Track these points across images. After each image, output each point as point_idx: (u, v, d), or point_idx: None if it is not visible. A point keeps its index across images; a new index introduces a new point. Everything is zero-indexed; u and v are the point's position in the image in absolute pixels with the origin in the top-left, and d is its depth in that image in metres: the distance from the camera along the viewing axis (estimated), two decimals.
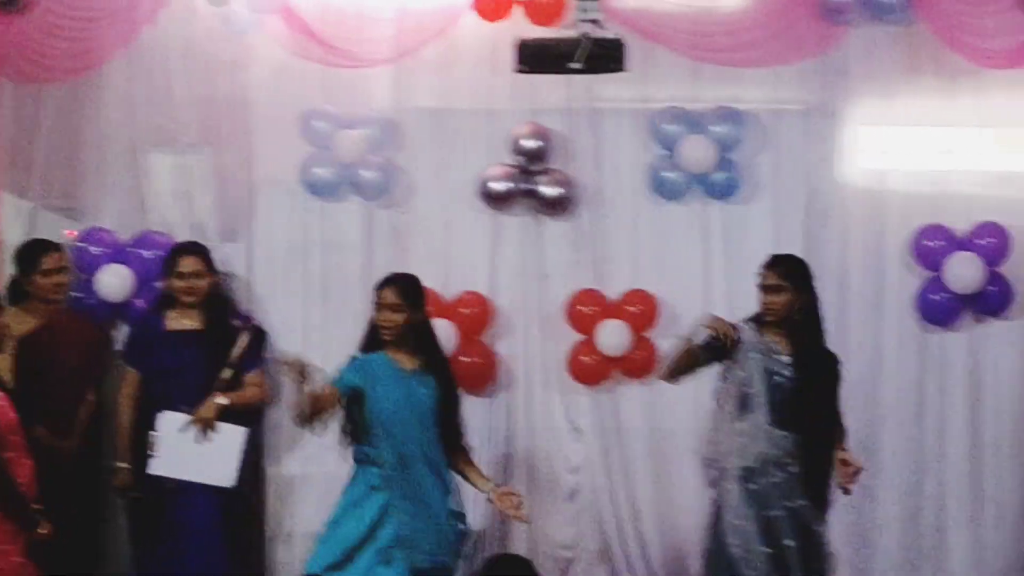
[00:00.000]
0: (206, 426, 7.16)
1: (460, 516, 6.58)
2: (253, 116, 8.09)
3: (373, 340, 6.57)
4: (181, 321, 7.44)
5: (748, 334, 6.64)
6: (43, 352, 7.34)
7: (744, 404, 6.58)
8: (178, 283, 7.41)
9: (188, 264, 7.42)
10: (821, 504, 6.65)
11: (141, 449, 7.27)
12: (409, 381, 6.46)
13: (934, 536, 8.12)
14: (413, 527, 6.38)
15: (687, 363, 6.75)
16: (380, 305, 6.51)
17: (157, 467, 7.16)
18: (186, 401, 7.22)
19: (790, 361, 6.57)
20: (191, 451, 7.16)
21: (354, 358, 6.52)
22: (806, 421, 6.53)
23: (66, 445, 7.37)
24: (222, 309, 7.57)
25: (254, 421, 7.44)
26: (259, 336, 7.66)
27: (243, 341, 7.39)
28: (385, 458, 6.41)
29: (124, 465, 7.36)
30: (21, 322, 7.29)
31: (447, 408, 6.53)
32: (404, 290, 6.54)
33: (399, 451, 6.41)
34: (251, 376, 7.43)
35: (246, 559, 7.69)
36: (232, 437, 7.22)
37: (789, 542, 6.49)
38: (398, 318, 6.47)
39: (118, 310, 7.85)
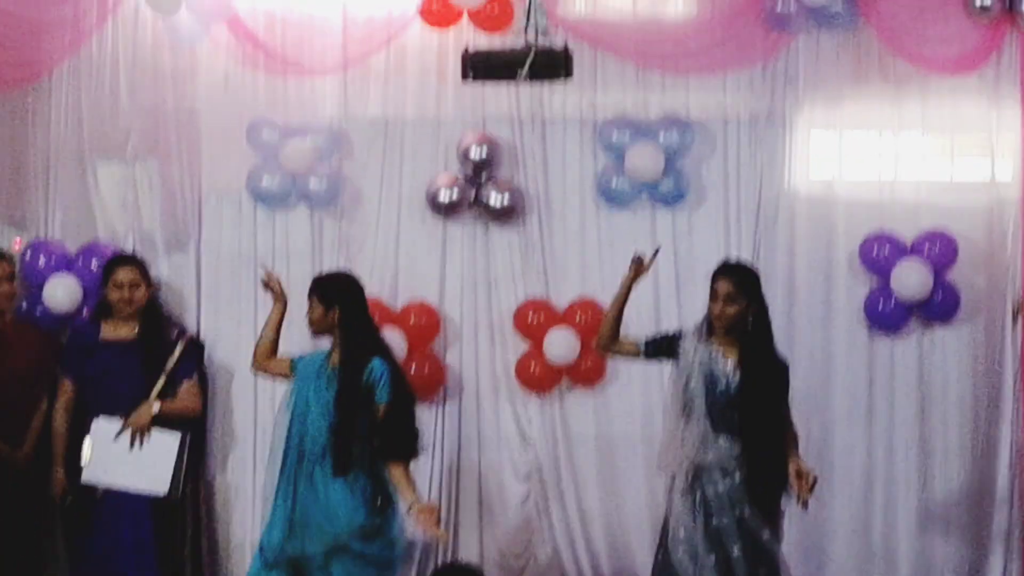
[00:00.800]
0: (140, 432, 7.20)
1: (373, 531, 6.48)
2: (200, 126, 8.11)
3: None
4: (116, 331, 7.48)
5: (691, 341, 6.65)
6: None
7: (688, 410, 6.59)
8: (115, 293, 7.44)
9: (124, 274, 7.46)
10: (770, 513, 6.61)
11: (76, 457, 7.30)
12: (324, 378, 6.55)
13: (883, 542, 8.13)
14: (286, 525, 6.44)
15: (616, 317, 6.78)
16: (310, 305, 6.69)
17: (90, 475, 7.21)
18: (120, 410, 7.27)
19: (735, 368, 6.57)
20: (124, 458, 7.20)
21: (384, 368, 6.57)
22: (750, 427, 6.52)
23: (19, 455, 7.36)
24: (157, 319, 7.61)
25: (188, 430, 7.42)
26: (194, 346, 7.69)
27: (178, 351, 7.42)
28: (287, 457, 6.51)
29: (60, 473, 7.38)
30: None
31: (344, 411, 6.46)
32: (331, 287, 6.69)
33: (298, 451, 6.49)
34: (185, 386, 7.45)
35: (179, 569, 7.71)
36: (166, 444, 7.25)
37: (736, 552, 6.47)
38: (320, 314, 6.62)
39: (66, 320, 7.81)
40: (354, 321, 6.63)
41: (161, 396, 7.32)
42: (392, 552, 6.55)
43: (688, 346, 6.65)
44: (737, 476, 6.51)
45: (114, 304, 7.48)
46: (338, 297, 6.62)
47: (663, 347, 6.77)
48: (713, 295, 6.61)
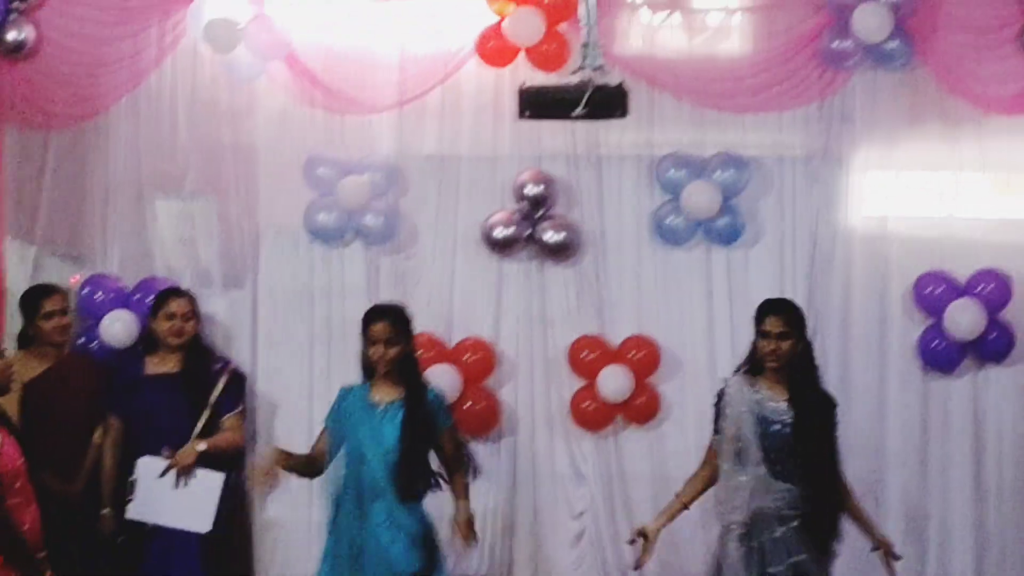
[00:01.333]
0: (185, 472, 7.22)
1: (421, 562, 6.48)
2: (257, 162, 8.16)
3: (367, 371, 6.64)
4: (160, 365, 7.52)
5: (736, 387, 6.56)
6: (48, 396, 7.40)
7: (740, 458, 6.48)
8: (166, 324, 7.47)
9: (177, 305, 7.51)
10: (824, 560, 6.54)
11: (123, 494, 7.33)
12: (377, 416, 6.50)
13: None
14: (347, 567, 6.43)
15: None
16: (375, 340, 6.53)
17: (135, 511, 7.23)
18: (166, 444, 7.29)
19: (787, 407, 6.49)
20: (169, 496, 7.22)
21: (341, 389, 6.66)
22: (807, 468, 6.44)
23: (71, 489, 7.37)
24: (202, 353, 7.63)
25: (233, 465, 7.47)
26: (237, 379, 7.70)
27: (222, 383, 7.46)
28: (344, 498, 6.49)
29: (108, 511, 7.40)
30: (28, 367, 7.36)
31: (414, 442, 6.48)
32: (397, 322, 6.58)
33: (356, 491, 6.46)
34: (228, 419, 7.48)
35: None
36: (210, 483, 7.28)
37: None
38: (392, 352, 6.51)
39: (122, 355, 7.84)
40: (413, 353, 6.67)
41: (205, 430, 7.35)
42: None
43: (734, 392, 6.55)
44: (794, 522, 6.42)
45: (163, 336, 7.50)
46: (408, 331, 6.64)
47: (720, 418, 6.61)
48: (764, 334, 6.56)
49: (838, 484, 6.60)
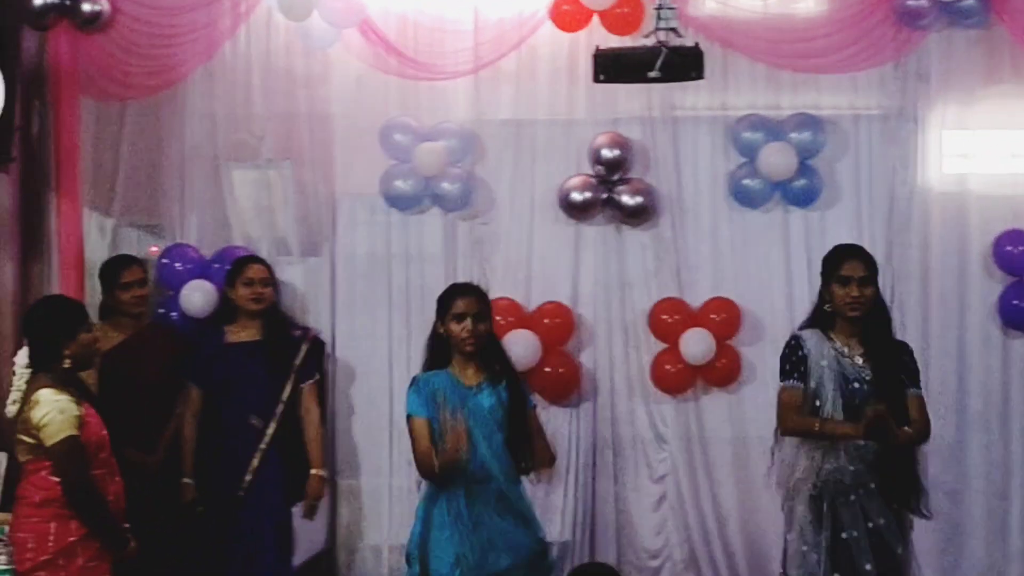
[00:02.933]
0: (319, 502, 7.41)
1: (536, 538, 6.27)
2: (333, 130, 8.16)
3: (440, 354, 6.24)
4: (240, 334, 7.52)
5: (814, 339, 6.20)
6: (127, 366, 7.41)
7: (819, 415, 6.13)
8: (245, 291, 7.47)
9: (255, 271, 7.51)
10: (904, 524, 6.21)
11: (206, 465, 7.40)
12: (475, 396, 6.12)
13: (1020, 541, 8.04)
14: (464, 549, 6.05)
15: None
16: (462, 315, 6.11)
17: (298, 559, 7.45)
18: (251, 412, 7.36)
19: (863, 362, 6.17)
20: (307, 529, 7.53)
21: (415, 380, 6.17)
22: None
23: (151, 460, 7.41)
24: (281, 320, 7.64)
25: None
26: (318, 346, 7.74)
27: (304, 350, 7.50)
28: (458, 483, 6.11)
29: (189, 481, 7.42)
30: (107, 338, 7.35)
31: (518, 416, 6.18)
32: (483, 298, 6.26)
33: (468, 472, 6.08)
34: (307, 387, 7.53)
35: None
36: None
37: (868, 566, 6.05)
38: (482, 328, 6.16)
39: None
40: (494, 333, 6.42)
41: (289, 399, 7.41)
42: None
43: (814, 345, 6.18)
44: (872, 484, 6.10)
45: (242, 303, 7.50)
46: (490, 309, 6.35)
47: (803, 366, 6.19)
48: (843, 280, 6.14)
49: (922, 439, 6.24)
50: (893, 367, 6.18)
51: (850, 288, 6.15)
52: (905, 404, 6.13)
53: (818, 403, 6.14)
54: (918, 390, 6.24)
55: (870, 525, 6.08)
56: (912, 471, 6.20)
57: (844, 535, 6.08)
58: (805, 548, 6.15)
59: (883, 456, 6.08)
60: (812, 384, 6.15)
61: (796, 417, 6.18)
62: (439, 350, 6.20)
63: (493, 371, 6.19)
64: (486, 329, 6.17)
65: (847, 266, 6.19)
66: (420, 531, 6.12)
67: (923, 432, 6.19)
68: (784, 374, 6.24)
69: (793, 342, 6.26)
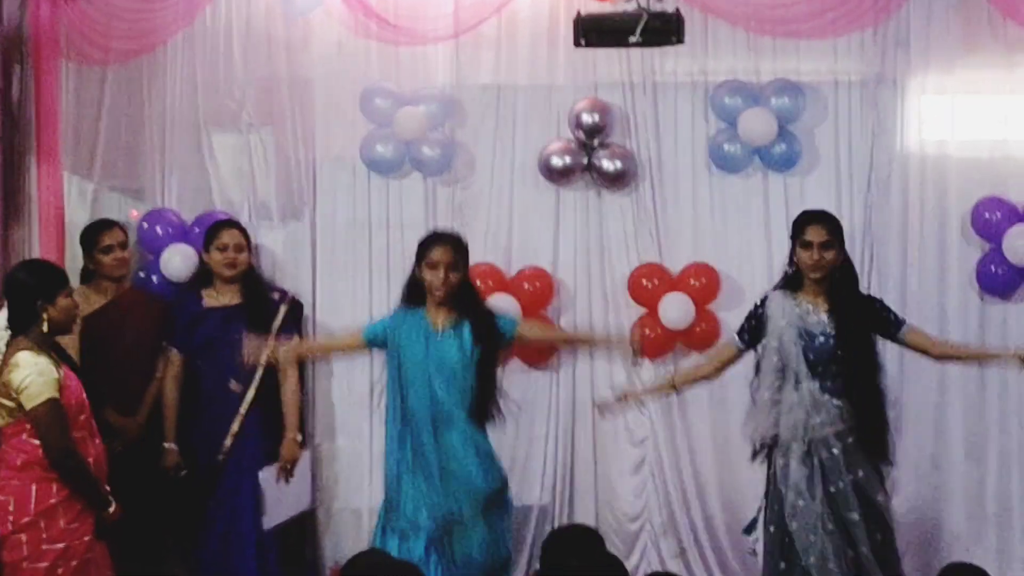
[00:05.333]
0: (293, 465, 7.40)
1: (498, 478, 6.64)
2: (314, 95, 8.18)
3: (416, 296, 6.63)
4: (219, 298, 7.55)
5: (777, 301, 6.62)
6: (108, 330, 7.44)
7: (785, 375, 6.53)
8: (219, 256, 7.50)
9: (229, 236, 7.53)
10: (880, 474, 6.58)
11: (187, 429, 7.44)
12: (438, 341, 6.51)
13: (998, 504, 8.08)
14: (428, 489, 6.46)
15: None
16: (436, 264, 6.51)
17: (270, 522, 7.37)
18: (230, 376, 7.39)
19: (828, 319, 6.52)
20: (284, 492, 7.41)
21: (397, 313, 6.66)
22: (854, 380, 6.48)
23: (132, 423, 7.43)
24: (258, 284, 7.67)
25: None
26: (296, 309, 7.78)
27: (282, 313, 7.53)
28: (410, 418, 6.51)
29: (171, 446, 7.47)
30: (87, 301, 7.39)
31: (482, 366, 6.55)
32: (459, 247, 6.61)
33: (432, 413, 6.48)
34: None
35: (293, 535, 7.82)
36: (302, 462, 7.53)
37: (856, 516, 6.43)
38: (454, 278, 6.52)
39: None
40: (470, 281, 6.75)
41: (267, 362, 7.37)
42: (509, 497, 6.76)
43: (775, 306, 6.60)
44: (850, 438, 6.46)
45: (216, 268, 7.52)
46: (467, 259, 6.68)
47: (754, 324, 6.70)
48: (806, 244, 6.54)
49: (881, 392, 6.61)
50: (856, 322, 6.54)
51: (812, 252, 6.51)
52: (873, 354, 6.59)
53: (782, 361, 6.52)
54: (907, 325, 6.71)
55: (851, 478, 6.42)
56: (884, 424, 6.57)
57: (832, 488, 6.42)
58: (802, 503, 6.45)
59: (860, 412, 6.46)
60: (774, 343, 6.54)
61: (704, 365, 7.02)
62: (415, 292, 6.62)
63: (461, 319, 6.54)
64: (458, 279, 6.53)
65: (810, 230, 6.57)
66: (388, 478, 6.54)
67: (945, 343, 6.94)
68: (739, 330, 6.79)
69: (758, 303, 6.72)
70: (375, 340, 6.65)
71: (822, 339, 6.49)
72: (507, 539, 6.72)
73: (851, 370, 6.50)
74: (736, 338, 6.81)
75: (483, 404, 6.56)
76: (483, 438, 6.58)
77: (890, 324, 6.66)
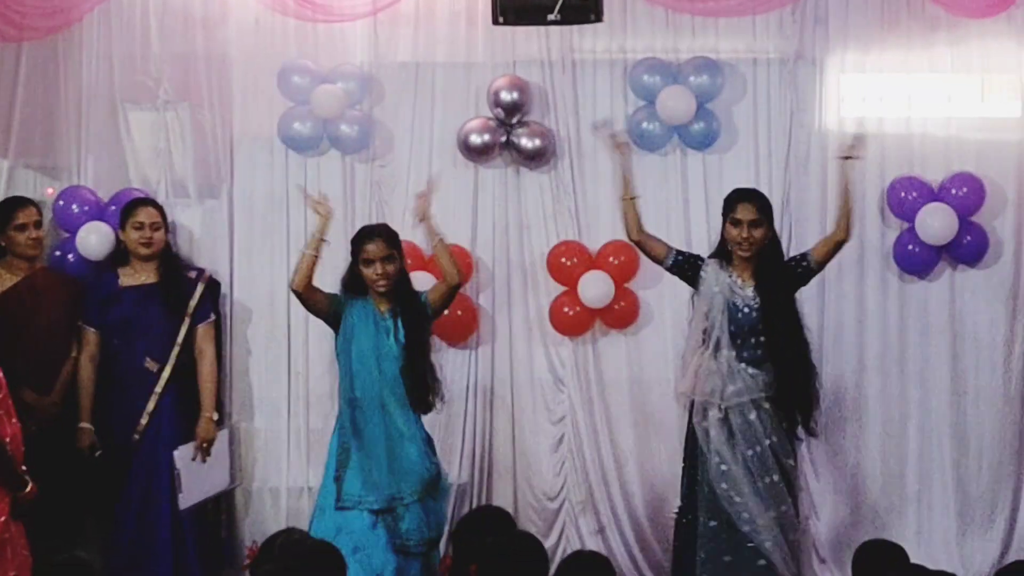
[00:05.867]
0: (210, 444, 7.33)
1: (435, 464, 6.85)
2: (231, 72, 8.12)
3: (355, 290, 6.78)
4: (136, 277, 7.48)
5: (712, 269, 6.80)
6: (22, 309, 7.37)
7: (707, 341, 6.74)
8: (135, 234, 7.42)
9: (145, 215, 7.45)
10: (791, 442, 6.80)
11: (102, 408, 7.36)
12: (384, 326, 6.69)
13: (917, 482, 8.13)
14: (375, 470, 6.63)
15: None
16: (370, 261, 6.68)
17: (186, 501, 7.27)
18: (147, 354, 7.34)
19: (754, 293, 6.70)
20: (201, 472, 7.34)
21: (350, 301, 6.76)
22: (774, 354, 6.68)
23: (48, 402, 7.36)
24: (175, 262, 7.60)
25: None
26: (213, 288, 7.74)
27: (199, 292, 7.47)
28: (359, 400, 6.67)
29: (87, 425, 7.38)
30: (1, 280, 7.33)
31: (411, 353, 6.71)
32: (391, 240, 6.75)
33: (379, 400, 6.65)
34: (202, 328, 7.51)
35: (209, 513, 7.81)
36: (220, 442, 7.46)
37: (776, 477, 6.65)
38: (391, 269, 6.68)
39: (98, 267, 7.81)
40: (405, 267, 6.85)
41: (185, 339, 7.39)
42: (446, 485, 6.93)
43: (709, 274, 6.80)
44: (766, 405, 6.65)
45: (132, 246, 7.45)
46: (400, 246, 6.83)
47: (687, 266, 6.91)
48: (735, 222, 6.72)
49: (807, 364, 6.80)
50: (781, 296, 6.75)
51: (740, 229, 6.67)
52: (798, 328, 6.78)
53: (708, 325, 6.76)
54: (808, 252, 6.91)
55: (767, 442, 6.64)
56: (808, 396, 6.75)
57: (749, 452, 6.64)
58: (724, 467, 6.68)
59: (782, 383, 6.70)
60: (704, 307, 6.79)
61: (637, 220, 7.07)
62: (355, 284, 6.79)
63: (397, 307, 6.70)
64: (395, 269, 6.71)
65: (740, 208, 6.74)
66: (336, 456, 6.68)
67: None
68: (680, 251, 7.05)
69: (700, 261, 6.91)
70: (338, 309, 6.76)
71: (746, 311, 6.69)
72: (443, 521, 6.92)
73: (775, 343, 6.66)
74: (673, 251, 6.96)
75: (423, 389, 6.71)
76: (421, 427, 6.79)
77: (802, 268, 6.82)
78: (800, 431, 6.81)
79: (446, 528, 7.01)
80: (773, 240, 6.82)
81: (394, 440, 6.66)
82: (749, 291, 6.71)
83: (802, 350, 6.76)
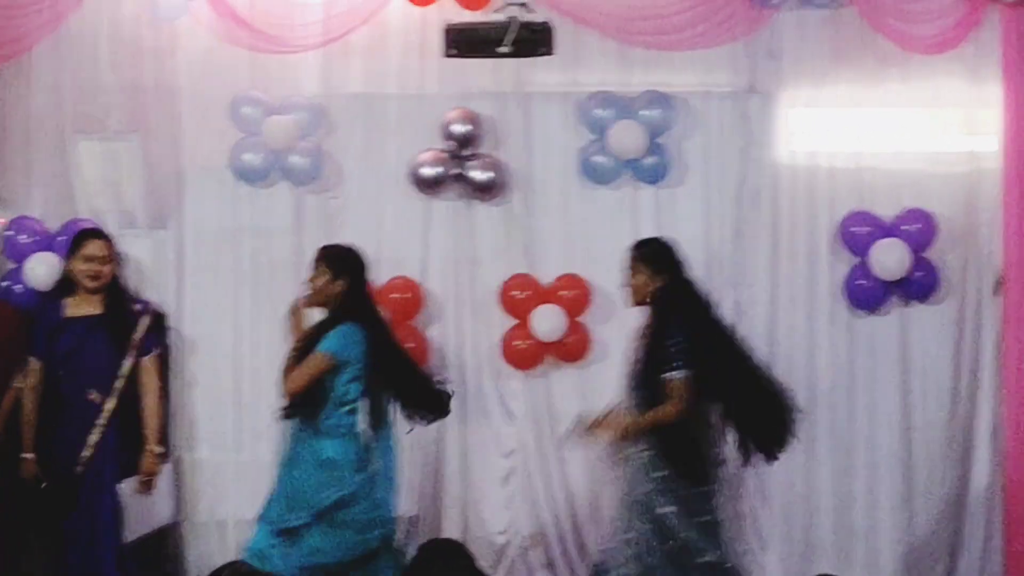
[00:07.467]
0: (154, 478, 7.27)
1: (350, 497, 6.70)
2: (181, 102, 8.09)
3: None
4: (81, 307, 7.39)
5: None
6: None
7: None
8: (83, 267, 7.33)
9: (95, 248, 7.37)
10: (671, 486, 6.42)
11: (46, 440, 7.28)
12: None
13: (866, 518, 8.15)
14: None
15: None
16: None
17: (130, 534, 7.22)
18: (91, 386, 7.25)
19: (640, 341, 6.52)
20: (145, 505, 7.27)
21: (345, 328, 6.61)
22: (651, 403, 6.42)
23: None
24: (122, 294, 7.53)
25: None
26: (158, 320, 7.69)
27: (144, 324, 7.40)
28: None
29: (29, 456, 7.30)
30: None
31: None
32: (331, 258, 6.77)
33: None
34: (148, 360, 7.41)
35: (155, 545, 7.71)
36: (163, 475, 7.40)
37: (667, 509, 6.36)
38: (318, 281, 6.71)
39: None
40: (357, 295, 6.69)
41: (129, 373, 7.33)
42: (373, 513, 6.67)
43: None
44: (647, 452, 6.39)
45: (80, 278, 7.37)
46: (345, 268, 6.69)
47: None
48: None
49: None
50: (655, 355, 6.39)
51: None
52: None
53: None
54: (674, 373, 6.36)
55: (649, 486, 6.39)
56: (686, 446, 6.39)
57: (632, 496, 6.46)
58: (660, 510, 6.39)
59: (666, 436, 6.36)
60: None
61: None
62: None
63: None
64: (327, 285, 6.68)
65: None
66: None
67: (659, 415, 6.37)
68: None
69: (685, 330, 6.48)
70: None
71: (633, 360, 6.56)
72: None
73: (647, 394, 6.44)
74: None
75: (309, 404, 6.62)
76: (316, 445, 6.61)
77: (664, 361, 6.41)
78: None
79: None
80: (665, 291, 6.51)
81: (302, 463, 6.66)
82: (639, 342, 6.55)
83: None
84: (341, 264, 6.70)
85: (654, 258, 6.58)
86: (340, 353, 6.52)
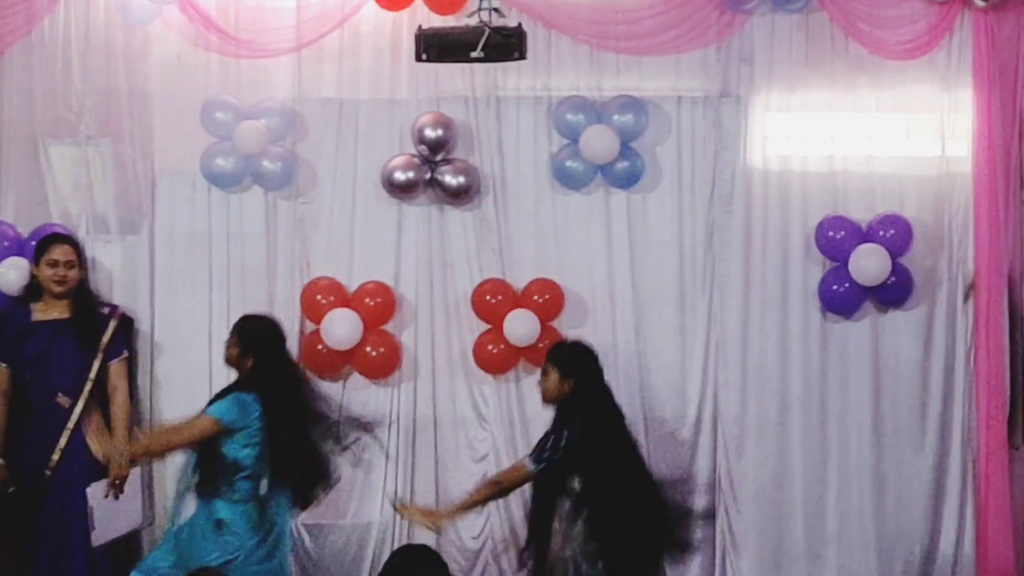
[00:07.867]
0: (124, 481, 7.11)
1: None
2: (154, 107, 8.08)
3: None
4: (48, 312, 7.42)
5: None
6: None
7: None
8: (49, 271, 7.38)
9: (60, 252, 7.41)
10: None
11: (14, 444, 7.29)
12: None
13: (837, 523, 8.14)
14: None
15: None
16: None
17: (100, 537, 7.16)
18: (58, 390, 7.28)
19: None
20: (114, 509, 7.17)
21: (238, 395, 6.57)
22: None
23: None
24: (88, 298, 7.55)
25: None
26: (125, 324, 7.69)
27: (111, 328, 7.41)
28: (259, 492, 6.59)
29: None
30: None
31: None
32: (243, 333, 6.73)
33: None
34: (114, 365, 7.46)
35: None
36: (132, 479, 7.25)
37: None
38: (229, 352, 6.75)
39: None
40: (262, 367, 6.63)
41: (97, 377, 7.36)
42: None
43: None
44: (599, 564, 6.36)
45: (46, 283, 7.40)
46: (252, 344, 6.65)
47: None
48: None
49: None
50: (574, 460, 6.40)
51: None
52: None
53: None
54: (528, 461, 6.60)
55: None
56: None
57: None
58: None
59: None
60: None
61: None
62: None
63: None
64: (237, 358, 6.71)
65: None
66: None
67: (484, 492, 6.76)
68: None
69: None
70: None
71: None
72: None
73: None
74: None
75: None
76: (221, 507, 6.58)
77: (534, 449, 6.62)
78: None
79: None
80: (571, 392, 6.50)
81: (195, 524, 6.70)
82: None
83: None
84: (247, 338, 6.66)
85: (564, 361, 6.58)
86: (225, 418, 6.47)
